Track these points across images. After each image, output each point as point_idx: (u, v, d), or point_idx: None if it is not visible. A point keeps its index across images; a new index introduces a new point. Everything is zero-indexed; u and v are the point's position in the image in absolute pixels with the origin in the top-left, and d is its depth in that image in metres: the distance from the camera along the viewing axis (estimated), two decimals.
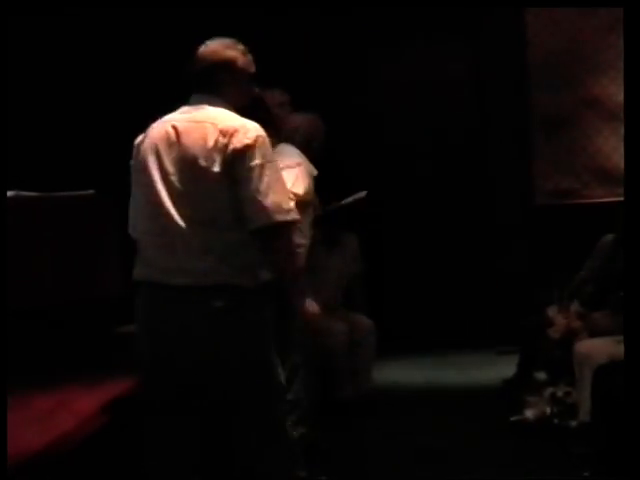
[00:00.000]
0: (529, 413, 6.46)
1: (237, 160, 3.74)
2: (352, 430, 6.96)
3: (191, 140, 3.82)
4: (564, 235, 9.12)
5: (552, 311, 7.18)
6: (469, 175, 10.00)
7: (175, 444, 3.82)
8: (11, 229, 5.89)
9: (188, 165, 3.80)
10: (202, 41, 4.08)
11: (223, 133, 3.77)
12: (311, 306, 4.85)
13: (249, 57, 4.08)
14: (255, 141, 3.77)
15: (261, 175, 3.73)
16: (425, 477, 5.83)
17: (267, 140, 3.84)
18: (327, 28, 9.75)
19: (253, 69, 4.09)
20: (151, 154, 3.89)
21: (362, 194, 6.83)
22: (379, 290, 8.75)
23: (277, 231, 3.76)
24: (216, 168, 3.74)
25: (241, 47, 4.06)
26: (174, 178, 3.82)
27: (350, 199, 6.70)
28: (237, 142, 3.75)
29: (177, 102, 4.13)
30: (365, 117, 9.96)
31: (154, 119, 4.13)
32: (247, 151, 3.75)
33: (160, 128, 3.95)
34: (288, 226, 3.84)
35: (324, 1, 9.69)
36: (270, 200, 3.71)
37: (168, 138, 3.88)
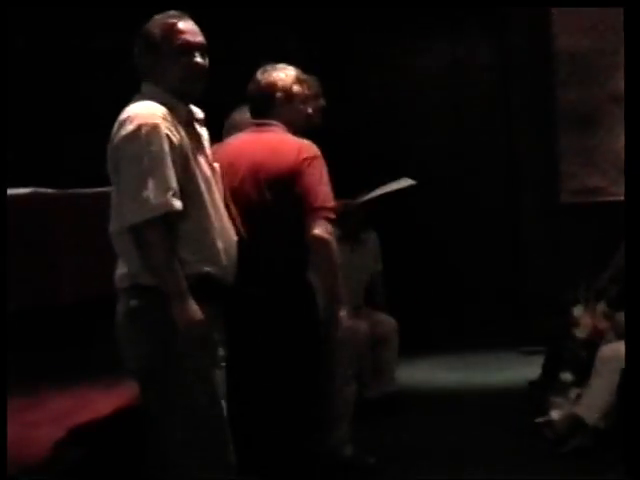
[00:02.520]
0: (554, 414, 6.43)
1: (114, 154, 3.75)
2: (377, 430, 6.95)
3: None
4: (590, 233, 9.09)
5: (578, 311, 7.15)
6: (493, 173, 10.01)
7: None
8: (29, 225, 5.92)
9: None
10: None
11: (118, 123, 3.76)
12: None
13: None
14: (130, 132, 3.68)
15: (124, 172, 3.72)
16: (447, 477, 5.84)
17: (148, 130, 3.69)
18: (350, 17, 9.75)
19: None
20: None
21: (407, 182, 6.59)
22: (400, 288, 8.73)
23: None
24: (110, 165, 3.77)
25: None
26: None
27: (393, 186, 6.45)
28: (117, 133, 3.71)
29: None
30: (387, 112, 9.95)
31: None
32: (120, 143, 3.73)
33: None
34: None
35: None
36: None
37: None
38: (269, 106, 4.57)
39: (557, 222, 9.72)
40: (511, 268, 9.87)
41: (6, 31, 5.18)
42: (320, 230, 4.20)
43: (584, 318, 7.00)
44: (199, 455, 3.66)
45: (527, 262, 9.83)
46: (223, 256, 3.84)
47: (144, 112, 3.68)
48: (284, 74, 4.62)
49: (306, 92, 4.81)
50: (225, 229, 3.87)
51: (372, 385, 7.46)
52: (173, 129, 3.71)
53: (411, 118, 10.05)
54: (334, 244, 4.34)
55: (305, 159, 4.31)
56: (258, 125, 4.58)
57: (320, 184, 4.29)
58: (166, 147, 3.68)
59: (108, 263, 5.96)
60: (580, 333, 6.90)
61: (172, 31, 3.82)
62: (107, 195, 6.24)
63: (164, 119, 3.69)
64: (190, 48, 3.83)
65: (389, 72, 10.06)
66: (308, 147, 4.38)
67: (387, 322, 7.71)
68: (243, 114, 4.95)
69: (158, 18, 3.88)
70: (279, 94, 4.57)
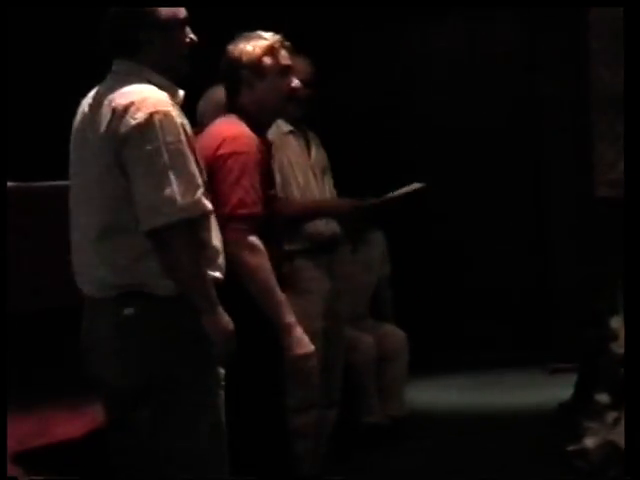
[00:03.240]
0: (589, 441, 6.42)
1: (124, 144, 3.57)
2: (381, 459, 6.95)
3: (93, 124, 3.71)
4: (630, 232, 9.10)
5: (616, 322, 7.15)
6: (520, 164, 10.10)
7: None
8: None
9: (91, 154, 3.70)
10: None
11: (114, 112, 3.60)
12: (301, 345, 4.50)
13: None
14: (144, 120, 3.55)
15: (146, 163, 3.55)
16: None
17: (162, 117, 3.59)
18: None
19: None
20: (74, 135, 3.84)
21: (418, 186, 6.40)
22: (411, 298, 8.75)
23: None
24: (110, 156, 3.59)
25: None
26: (80, 169, 3.77)
27: (404, 190, 6.29)
28: (125, 122, 3.55)
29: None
30: (409, 98, 10.00)
31: None
32: (133, 133, 3.55)
33: (84, 104, 3.86)
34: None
35: None
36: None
37: (83, 118, 3.80)
38: (236, 85, 4.48)
39: (591, 219, 9.74)
40: (537, 272, 9.93)
41: (6, 31, 5.14)
42: (232, 246, 4.02)
43: (623, 330, 7.00)
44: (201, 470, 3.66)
45: (556, 266, 9.89)
46: (221, 258, 3.79)
47: (152, 97, 3.58)
48: (252, 46, 4.46)
49: (283, 63, 4.62)
50: (216, 228, 3.80)
51: (376, 408, 7.45)
52: (183, 116, 3.66)
53: (432, 103, 10.10)
54: (253, 259, 4.19)
55: (220, 156, 4.20)
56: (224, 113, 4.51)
57: (234, 186, 4.17)
58: (184, 138, 3.61)
59: (65, 265, 5.98)
60: (618, 348, 6.89)
61: (173, 6, 3.77)
62: (61, 189, 6.28)
63: (172, 105, 3.63)
64: (186, 22, 3.80)
65: (395, 56, 10.13)
66: (230, 141, 4.24)
67: (395, 335, 7.73)
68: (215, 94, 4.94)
69: None
70: (244, 71, 4.44)
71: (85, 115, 3.73)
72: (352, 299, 7.46)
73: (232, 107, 4.48)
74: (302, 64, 5.65)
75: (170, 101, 3.62)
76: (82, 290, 3.78)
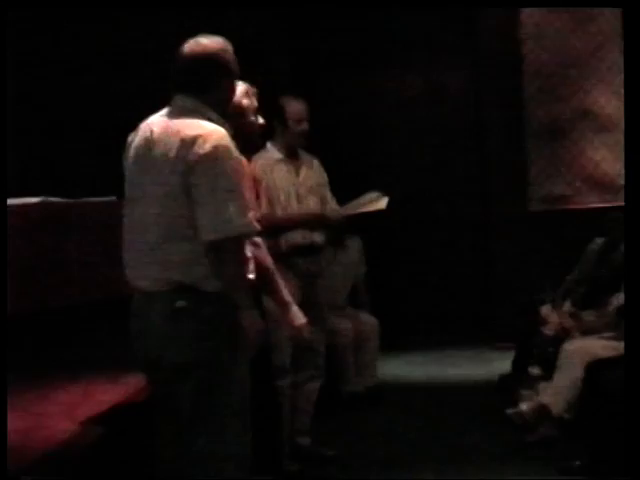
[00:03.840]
0: (523, 405, 6.46)
1: (193, 170, 3.54)
2: (358, 419, 6.97)
3: (161, 148, 3.64)
4: (556, 239, 9.14)
5: (546, 310, 7.20)
6: (467, 182, 10.03)
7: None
8: (39, 232, 5.94)
9: (157, 174, 3.64)
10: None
11: (184, 141, 3.56)
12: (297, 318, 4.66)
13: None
14: (213, 150, 3.54)
15: (213, 186, 3.53)
16: (424, 465, 5.84)
17: (226, 149, 3.58)
18: (333, 39, 9.79)
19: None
20: (134, 156, 3.78)
21: (383, 202, 6.21)
22: (382, 290, 8.77)
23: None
24: (178, 178, 3.55)
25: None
26: (147, 186, 3.68)
27: (370, 207, 6.20)
28: (195, 151, 3.52)
29: None
30: (369, 128, 10.00)
31: None
32: (203, 161, 3.52)
33: (143, 130, 3.78)
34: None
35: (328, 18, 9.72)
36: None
37: (147, 142, 3.71)
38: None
39: (526, 229, 9.78)
40: (484, 272, 9.90)
41: (6, 32, 5.00)
42: None
43: (551, 317, 7.05)
44: (231, 442, 3.65)
45: (498, 265, 9.85)
46: (252, 264, 3.92)
47: (216, 132, 3.57)
48: None
49: (255, 104, 4.71)
50: None
51: (354, 380, 7.49)
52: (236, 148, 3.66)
53: (393, 136, 10.07)
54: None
55: None
56: None
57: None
58: (241, 169, 3.69)
59: (112, 266, 6.01)
60: (547, 331, 6.93)
61: (234, 57, 3.78)
62: (110, 204, 6.30)
63: (230, 139, 3.63)
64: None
65: (371, 96, 10.09)
66: None
67: (369, 321, 7.76)
68: None
69: (221, 42, 3.77)
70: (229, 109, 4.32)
71: (149, 139, 3.67)
72: (335, 292, 7.54)
73: None
74: (300, 106, 5.72)
75: (228, 135, 3.62)
76: (134, 284, 3.76)
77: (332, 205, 5.95)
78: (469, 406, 7.25)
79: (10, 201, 6.33)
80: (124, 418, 4.05)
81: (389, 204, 6.08)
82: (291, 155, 5.82)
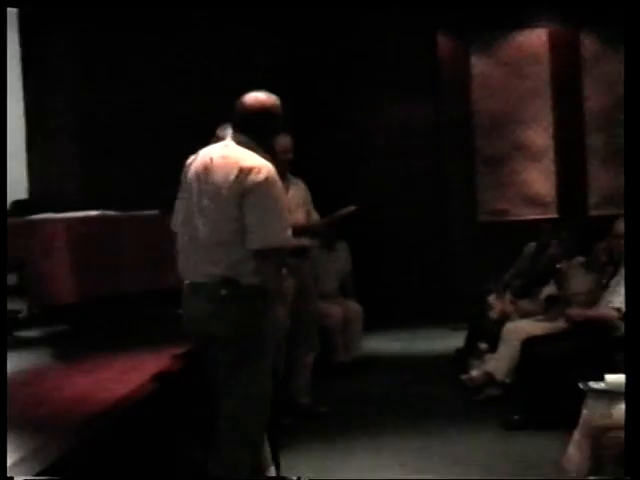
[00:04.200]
0: (474, 372, 6.48)
1: (248, 194, 3.55)
2: (345, 384, 6.97)
3: (219, 173, 3.63)
4: (500, 243, 9.14)
5: (491, 299, 7.22)
6: (430, 198, 10.01)
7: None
8: (97, 238, 5.96)
9: (215, 193, 3.62)
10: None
11: (241, 170, 3.57)
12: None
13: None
14: (263, 180, 3.56)
15: (263, 207, 3.56)
16: (397, 419, 5.84)
17: (274, 179, 3.61)
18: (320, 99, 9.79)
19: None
20: (194, 179, 3.72)
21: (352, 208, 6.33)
22: (365, 283, 8.76)
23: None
24: (234, 199, 3.56)
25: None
26: (205, 203, 3.66)
27: (342, 212, 6.17)
28: (250, 179, 3.55)
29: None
30: (347, 155, 9.91)
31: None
32: (256, 187, 3.54)
33: (202, 158, 3.76)
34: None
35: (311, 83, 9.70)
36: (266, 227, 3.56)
37: (206, 167, 3.69)
38: None
39: (476, 235, 9.82)
40: (444, 269, 9.89)
41: (5, 33, 4.80)
42: None
43: (495, 304, 7.07)
44: (260, 401, 3.70)
45: (455, 264, 9.87)
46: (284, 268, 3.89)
47: (266, 164, 3.60)
48: None
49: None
50: None
51: (343, 353, 7.49)
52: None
53: (369, 160, 10.01)
54: None
55: None
56: None
57: None
58: (283, 195, 3.73)
59: (154, 264, 6.03)
60: (492, 314, 6.97)
61: (280, 110, 3.81)
62: (153, 217, 6.31)
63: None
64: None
65: (350, 130, 10.04)
66: None
67: (354, 307, 7.75)
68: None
69: (273, 98, 3.80)
70: None
71: (209, 165, 3.68)
72: (328, 284, 7.57)
73: None
74: (287, 140, 5.57)
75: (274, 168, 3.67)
76: (187, 277, 3.74)
77: (315, 217, 5.87)
78: (432, 373, 7.25)
79: (74, 213, 6.36)
80: (165, 384, 4.04)
81: (368, 214, 5.99)
82: (280, 178, 5.74)
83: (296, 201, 5.75)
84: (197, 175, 3.71)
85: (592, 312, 5.46)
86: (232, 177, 3.57)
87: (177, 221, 3.85)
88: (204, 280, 3.63)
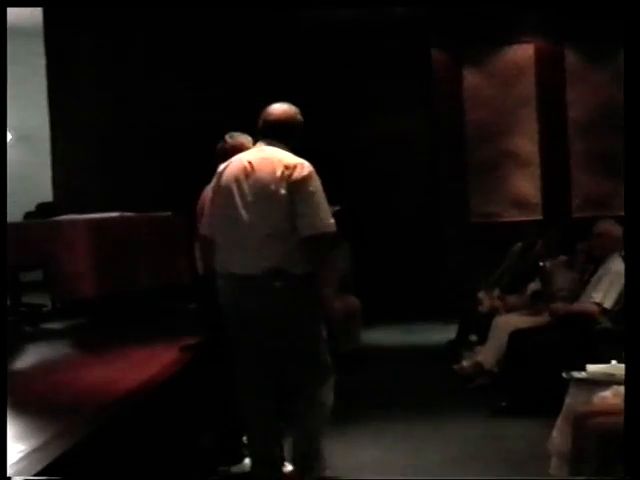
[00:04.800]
0: (465, 362, 6.47)
1: (296, 187, 3.65)
2: (348, 373, 6.94)
3: (263, 172, 3.71)
4: (489, 243, 9.10)
5: (481, 294, 7.19)
6: (426, 202, 9.98)
7: (255, 371, 3.84)
8: (116, 238, 5.96)
9: (261, 190, 3.69)
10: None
11: (286, 167, 3.68)
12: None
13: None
14: (308, 174, 3.69)
15: (312, 198, 3.67)
16: (395, 405, 5.82)
17: (315, 174, 3.73)
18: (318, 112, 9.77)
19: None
20: (233, 182, 3.76)
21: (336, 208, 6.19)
22: (365, 280, 8.72)
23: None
24: (283, 192, 3.64)
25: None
26: (250, 200, 3.71)
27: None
28: (297, 174, 3.66)
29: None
30: (350, 162, 9.85)
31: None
32: (303, 181, 3.66)
33: (238, 163, 3.81)
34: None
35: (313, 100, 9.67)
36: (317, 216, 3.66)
37: (245, 170, 3.75)
38: None
39: (468, 235, 9.80)
40: (438, 267, 9.86)
41: (5, 33, 4.77)
42: None
43: (485, 299, 7.05)
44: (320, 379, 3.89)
45: (448, 263, 9.84)
46: None
47: (306, 163, 3.72)
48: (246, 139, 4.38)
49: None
50: None
51: (344, 344, 7.46)
52: None
53: (368, 167, 9.96)
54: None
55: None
56: None
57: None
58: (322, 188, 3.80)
59: (169, 263, 6.03)
60: (482, 309, 6.94)
61: (301, 117, 3.96)
62: (167, 218, 6.31)
63: None
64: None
65: (351, 138, 9.99)
66: None
67: (355, 302, 7.71)
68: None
69: (294, 108, 3.93)
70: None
71: (247, 168, 3.75)
72: (331, 282, 7.54)
73: None
74: None
75: None
76: (227, 270, 3.74)
77: None
78: (426, 363, 7.23)
79: (95, 215, 6.37)
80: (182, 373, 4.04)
81: (367, 217, 5.90)
82: None
83: None
84: (236, 178, 3.76)
85: (574, 306, 5.45)
86: (279, 173, 3.67)
87: (212, 223, 3.85)
88: (255, 272, 3.64)
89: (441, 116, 9.96)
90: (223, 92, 8.87)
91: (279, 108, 3.90)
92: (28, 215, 7.54)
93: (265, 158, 3.76)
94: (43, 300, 5.97)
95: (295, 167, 3.68)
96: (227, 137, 4.38)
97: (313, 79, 9.48)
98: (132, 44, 8.77)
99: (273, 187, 3.66)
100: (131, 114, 8.87)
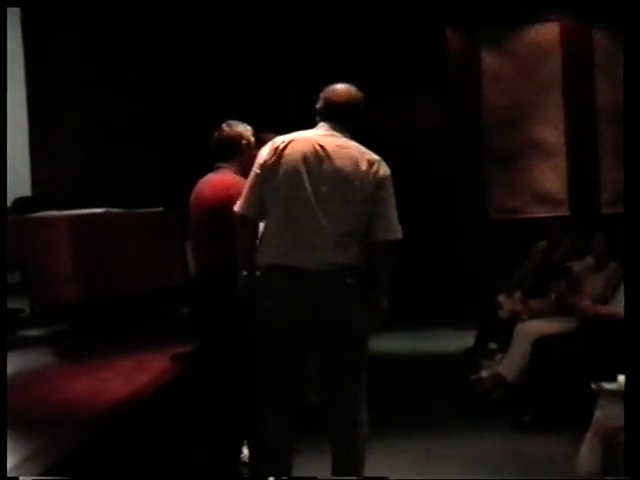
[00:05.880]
0: (484, 373, 6.48)
1: (380, 186, 3.66)
2: None
3: (341, 162, 3.65)
4: (510, 241, 9.13)
5: (501, 298, 7.21)
6: (441, 196, 10.01)
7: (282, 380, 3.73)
8: (101, 236, 5.95)
9: (340, 182, 3.62)
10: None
11: (370, 162, 3.69)
12: None
13: None
14: (390, 174, 3.72)
15: (391, 199, 3.69)
16: (407, 418, 5.84)
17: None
18: None
19: None
20: (301, 162, 3.63)
21: None
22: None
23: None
24: (368, 190, 3.63)
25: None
26: (324, 190, 3.62)
27: None
28: (381, 172, 3.69)
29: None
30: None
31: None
32: (386, 180, 3.68)
33: (306, 143, 3.69)
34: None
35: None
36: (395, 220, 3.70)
37: (317, 153, 3.65)
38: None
39: (486, 233, 9.80)
40: (454, 267, 9.88)
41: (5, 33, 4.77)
42: None
43: (505, 303, 7.06)
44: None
45: (465, 263, 9.86)
46: None
47: (383, 160, 3.76)
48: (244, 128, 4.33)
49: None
50: None
51: None
52: None
53: (384, 156, 9.95)
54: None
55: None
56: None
57: None
58: None
59: (159, 262, 6.02)
60: (502, 314, 6.95)
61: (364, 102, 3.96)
62: (157, 214, 6.31)
63: None
64: None
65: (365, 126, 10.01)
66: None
67: None
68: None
69: (357, 91, 3.91)
70: (244, 142, 4.27)
71: (321, 152, 3.66)
72: None
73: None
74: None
75: None
76: (280, 262, 3.60)
77: None
78: (441, 372, 7.25)
79: (80, 211, 6.36)
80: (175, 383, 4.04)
81: None
82: None
83: None
84: (305, 159, 3.64)
85: (602, 308, 5.44)
86: (364, 167, 3.66)
87: (253, 205, 3.69)
88: (324, 268, 3.58)
89: (457, 102, 9.96)
90: (218, 80, 8.88)
91: (347, 90, 3.85)
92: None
93: (341, 146, 3.69)
94: (20, 304, 5.96)
95: (379, 164, 3.70)
96: (224, 126, 4.34)
97: (323, 62, 9.48)
98: (118, 31, 8.78)
99: (357, 182, 3.62)
100: (118, 100, 8.85)
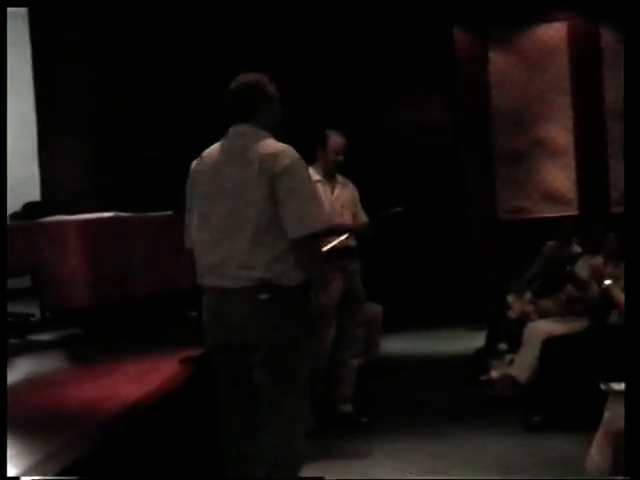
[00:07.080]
0: (493, 373, 6.47)
1: (281, 178, 3.32)
2: (365, 386, 6.96)
3: (235, 170, 3.39)
4: (519, 241, 9.11)
5: (511, 298, 7.18)
6: (450, 197, 9.99)
7: (232, 387, 3.50)
8: (111, 240, 5.98)
9: (237, 191, 3.36)
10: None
11: (263, 158, 3.35)
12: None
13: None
14: (293, 162, 3.36)
15: (298, 193, 3.34)
16: (418, 419, 5.84)
17: (301, 162, 3.41)
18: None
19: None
20: (205, 182, 3.46)
21: (398, 209, 5.78)
22: (388, 285, 8.70)
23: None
24: (265, 189, 3.31)
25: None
26: (224, 203, 3.39)
27: (389, 213, 5.73)
28: (280, 163, 3.32)
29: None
30: (367, 154, 9.85)
31: None
32: (287, 170, 3.32)
33: (207, 159, 3.51)
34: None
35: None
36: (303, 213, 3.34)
37: (216, 167, 3.45)
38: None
39: (495, 233, 9.79)
40: (463, 268, 9.87)
41: (5, 33, 4.64)
42: None
43: (515, 303, 7.04)
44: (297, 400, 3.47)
45: (474, 263, 9.85)
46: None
47: (289, 148, 3.41)
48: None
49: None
50: None
51: (362, 354, 7.43)
52: None
53: (393, 160, 9.98)
54: None
55: None
56: None
57: None
58: (311, 177, 3.61)
59: (169, 266, 6.04)
60: (512, 314, 6.93)
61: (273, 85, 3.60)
62: (166, 218, 6.33)
63: None
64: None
65: (376, 129, 10.01)
66: None
67: (376, 309, 7.70)
68: None
69: (261, 76, 3.58)
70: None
71: (219, 162, 3.46)
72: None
73: None
74: (340, 140, 5.56)
75: None
76: (213, 284, 3.45)
77: (362, 217, 5.77)
78: (451, 373, 7.23)
79: (89, 215, 6.39)
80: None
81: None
82: (328, 177, 5.61)
83: (341, 202, 5.66)
84: (210, 174, 3.49)
85: (617, 292, 5.30)
86: (256, 167, 3.35)
87: (192, 234, 3.56)
88: (239, 285, 3.37)
89: (465, 102, 9.95)
90: (229, 83, 8.88)
91: (236, 80, 3.56)
92: (14, 216, 7.56)
93: (233, 149, 3.46)
94: (31, 309, 5.99)
95: (274, 157, 3.35)
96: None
97: (330, 62, 9.50)
98: (128, 35, 8.80)
99: (253, 184, 3.34)
100: (128, 105, 8.89)
